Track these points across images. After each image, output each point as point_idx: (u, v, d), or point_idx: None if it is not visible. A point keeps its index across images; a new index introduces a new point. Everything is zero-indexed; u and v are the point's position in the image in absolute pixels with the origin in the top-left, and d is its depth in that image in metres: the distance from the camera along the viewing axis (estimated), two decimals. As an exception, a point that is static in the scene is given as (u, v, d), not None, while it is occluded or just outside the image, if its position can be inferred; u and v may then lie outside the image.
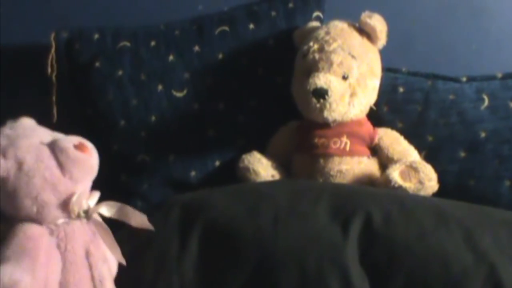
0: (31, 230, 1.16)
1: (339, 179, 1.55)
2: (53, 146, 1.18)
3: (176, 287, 1.27)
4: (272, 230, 1.27)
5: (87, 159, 1.20)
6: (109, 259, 1.23)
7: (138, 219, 1.24)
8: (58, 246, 1.17)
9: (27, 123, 1.25)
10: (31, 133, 1.20)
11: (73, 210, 1.18)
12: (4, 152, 1.15)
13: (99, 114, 1.70)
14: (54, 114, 1.68)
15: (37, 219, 1.16)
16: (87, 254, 1.19)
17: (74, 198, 1.18)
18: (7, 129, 1.21)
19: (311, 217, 1.29)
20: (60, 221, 1.18)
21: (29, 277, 1.11)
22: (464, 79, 1.65)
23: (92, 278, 1.19)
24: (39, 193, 1.15)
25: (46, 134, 1.22)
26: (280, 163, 1.62)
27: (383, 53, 1.64)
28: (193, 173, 1.68)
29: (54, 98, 1.70)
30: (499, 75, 1.63)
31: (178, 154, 1.68)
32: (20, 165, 1.15)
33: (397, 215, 1.27)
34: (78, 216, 1.19)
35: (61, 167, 1.17)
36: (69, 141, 1.19)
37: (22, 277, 1.10)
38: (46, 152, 1.17)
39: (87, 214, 1.20)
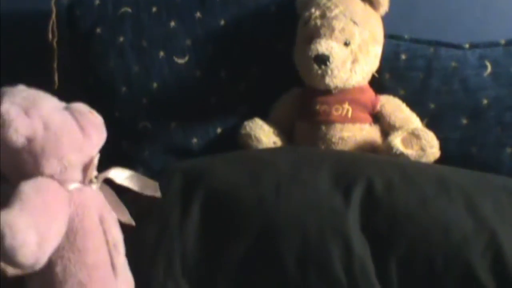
0: (54, 183, 1.14)
1: (341, 146, 1.55)
2: (71, 110, 1.17)
3: (178, 254, 1.27)
4: (273, 197, 1.28)
5: (102, 123, 1.20)
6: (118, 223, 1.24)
7: (150, 187, 1.24)
8: (76, 214, 1.15)
9: (30, 90, 1.22)
10: (46, 96, 1.19)
11: (91, 174, 1.18)
12: (27, 111, 1.12)
13: (100, 81, 1.69)
14: (55, 80, 1.68)
15: (56, 180, 1.15)
16: (101, 220, 1.19)
17: (95, 161, 1.18)
18: (18, 92, 1.18)
19: (312, 185, 1.30)
20: (74, 186, 1.17)
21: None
22: (467, 46, 1.64)
23: (107, 242, 1.18)
24: (67, 153, 1.14)
25: (56, 100, 1.21)
26: (282, 130, 1.62)
27: (386, 19, 1.63)
28: (194, 140, 1.68)
29: (55, 64, 1.69)
30: (502, 41, 1.63)
31: (180, 121, 1.68)
32: (46, 124, 1.13)
33: (398, 182, 1.28)
34: (90, 181, 1.19)
35: (82, 130, 1.16)
36: (83, 106, 1.20)
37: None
38: (67, 114, 1.16)
39: (97, 179, 1.20)
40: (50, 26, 1.67)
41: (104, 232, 1.19)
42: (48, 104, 1.17)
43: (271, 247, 1.24)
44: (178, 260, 1.27)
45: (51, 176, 1.14)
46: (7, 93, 1.17)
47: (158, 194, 1.27)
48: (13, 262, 1.05)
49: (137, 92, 1.68)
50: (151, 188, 1.27)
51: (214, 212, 1.30)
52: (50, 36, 1.67)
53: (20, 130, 1.10)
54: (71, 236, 1.14)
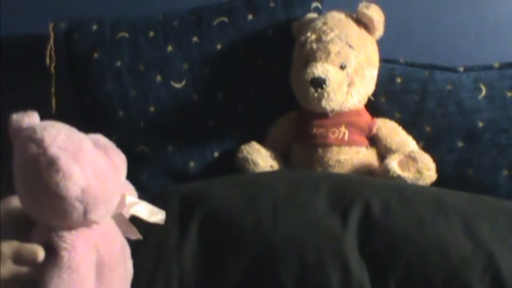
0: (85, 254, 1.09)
1: (337, 169, 1.55)
2: (103, 148, 1.11)
3: (176, 277, 1.26)
4: (271, 220, 1.27)
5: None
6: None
7: (157, 215, 1.23)
8: (103, 249, 1.11)
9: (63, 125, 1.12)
10: (81, 135, 1.11)
11: (120, 210, 1.14)
12: (77, 158, 1.05)
13: (98, 105, 1.70)
14: (53, 105, 1.68)
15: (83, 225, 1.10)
16: (123, 248, 1.16)
17: (126, 199, 1.14)
18: (57, 132, 1.07)
19: (310, 207, 1.29)
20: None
21: None
22: (462, 69, 1.65)
23: (126, 269, 1.16)
24: (112, 199, 1.10)
25: (84, 135, 1.12)
26: (279, 153, 1.62)
27: (381, 43, 1.64)
28: (192, 164, 1.68)
29: (53, 89, 1.70)
30: (496, 64, 1.64)
31: (177, 145, 1.68)
32: (96, 171, 1.06)
33: (396, 204, 1.28)
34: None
35: (117, 170, 1.11)
36: (105, 139, 1.14)
37: None
38: (103, 154, 1.10)
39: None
40: (48, 50, 1.68)
41: (125, 260, 1.17)
42: (89, 146, 1.09)
43: (269, 270, 1.23)
44: (175, 284, 1.26)
45: (92, 222, 1.09)
46: (47, 133, 1.07)
47: (163, 222, 1.25)
48: None
49: (135, 116, 1.68)
50: (159, 216, 1.24)
51: (212, 235, 1.29)
52: (48, 60, 1.68)
53: (78, 183, 1.03)
54: (98, 270, 1.11)
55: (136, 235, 1.21)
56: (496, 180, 1.58)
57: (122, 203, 1.15)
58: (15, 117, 1.10)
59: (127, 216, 1.19)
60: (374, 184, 1.38)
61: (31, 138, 1.05)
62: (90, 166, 1.06)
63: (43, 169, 1.03)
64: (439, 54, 1.76)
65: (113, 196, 1.11)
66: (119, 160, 1.13)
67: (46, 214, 1.08)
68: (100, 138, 1.14)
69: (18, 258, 1.06)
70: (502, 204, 1.36)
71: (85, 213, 1.07)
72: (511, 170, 1.58)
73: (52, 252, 1.07)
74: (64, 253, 1.07)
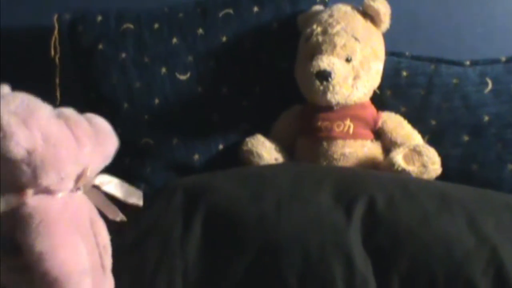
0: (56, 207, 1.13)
1: (342, 163, 1.55)
2: (65, 119, 1.15)
3: (180, 270, 1.27)
4: (275, 214, 1.27)
5: (110, 130, 1.21)
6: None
7: (134, 195, 1.24)
8: (70, 220, 1.14)
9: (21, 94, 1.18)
10: (40, 104, 1.16)
11: (82, 183, 1.16)
12: (26, 122, 1.09)
13: (102, 97, 1.70)
14: (58, 97, 1.68)
15: (50, 192, 1.13)
16: (91, 223, 1.18)
17: (88, 172, 1.16)
18: (12, 99, 1.14)
19: (314, 201, 1.29)
20: (62, 194, 1.15)
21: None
22: (468, 63, 1.65)
23: (97, 245, 1.18)
24: (64, 165, 1.12)
25: (48, 107, 1.17)
26: (283, 146, 1.62)
27: (387, 37, 1.63)
28: (196, 157, 1.68)
29: (57, 80, 1.70)
30: (503, 59, 1.63)
31: (182, 138, 1.68)
32: (45, 136, 1.10)
33: (400, 198, 1.28)
34: (78, 188, 1.18)
35: (77, 140, 1.14)
36: (74, 113, 1.18)
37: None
38: (63, 124, 1.14)
39: (84, 186, 1.19)
40: (52, 42, 1.68)
41: (95, 235, 1.18)
42: (44, 113, 1.14)
43: (273, 264, 1.24)
44: (179, 278, 1.26)
45: (46, 188, 1.12)
46: (2, 100, 1.13)
47: (140, 203, 1.26)
48: None
49: (139, 109, 1.68)
50: (135, 197, 1.26)
51: (216, 229, 1.30)
52: (52, 52, 1.68)
53: (21, 143, 1.08)
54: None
55: (115, 214, 1.22)
56: (500, 175, 1.58)
57: (83, 175, 1.16)
58: None
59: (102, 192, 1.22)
60: (378, 178, 1.38)
61: None
62: (40, 131, 1.10)
63: None
64: (446, 47, 1.76)
65: (66, 163, 1.12)
66: (81, 132, 1.16)
67: (3, 180, 1.11)
68: (66, 110, 1.17)
69: None
70: (506, 199, 1.36)
71: (35, 176, 1.10)
72: (516, 165, 1.58)
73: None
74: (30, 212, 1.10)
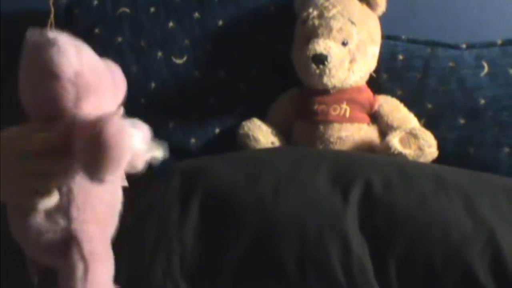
0: None
1: (339, 146, 1.55)
2: (106, 63, 1.21)
3: (177, 254, 1.27)
4: (272, 198, 1.28)
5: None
6: None
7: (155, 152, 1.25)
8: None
9: None
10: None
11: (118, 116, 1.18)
12: (77, 48, 1.13)
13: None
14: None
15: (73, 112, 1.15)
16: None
17: (122, 111, 1.20)
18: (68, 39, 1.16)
19: (311, 185, 1.30)
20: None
21: None
22: (464, 46, 1.65)
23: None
24: (104, 96, 1.17)
25: None
26: (280, 130, 1.62)
27: (383, 20, 1.63)
28: (193, 140, 1.68)
29: (53, 64, 1.69)
30: (499, 42, 1.63)
31: (178, 122, 1.68)
32: (92, 65, 1.15)
33: (397, 181, 1.28)
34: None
35: (114, 82, 1.21)
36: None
37: None
38: (104, 64, 1.20)
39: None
40: (48, 26, 1.68)
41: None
42: (91, 52, 1.18)
43: (270, 247, 1.24)
44: (177, 261, 1.26)
45: (82, 111, 1.14)
46: (56, 32, 1.16)
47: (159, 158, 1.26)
48: None
49: (136, 92, 1.68)
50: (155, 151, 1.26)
51: (213, 212, 1.30)
52: (48, 36, 1.67)
53: (72, 62, 1.10)
54: None
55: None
56: (497, 158, 1.58)
57: (118, 113, 1.18)
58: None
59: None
60: (375, 161, 1.39)
61: (41, 34, 1.14)
62: (88, 60, 1.14)
63: (41, 45, 1.11)
64: (442, 31, 1.75)
65: (106, 93, 1.17)
66: (117, 76, 1.23)
67: (42, 102, 1.13)
68: (111, 62, 1.25)
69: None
70: (503, 182, 1.36)
71: (77, 98, 1.12)
72: (513, 147, 1.58)
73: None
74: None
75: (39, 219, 1.14)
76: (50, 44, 1.10)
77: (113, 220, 1.21)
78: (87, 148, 1.06)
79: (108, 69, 1.21)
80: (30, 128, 1.14)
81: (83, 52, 1.14)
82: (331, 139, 1.56)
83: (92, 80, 1.13)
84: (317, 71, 1.53)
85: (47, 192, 1.12)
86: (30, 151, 1.10)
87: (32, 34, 1.16)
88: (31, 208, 1.13)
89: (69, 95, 1.11)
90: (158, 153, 1.24)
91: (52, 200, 1.13)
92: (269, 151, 1.53)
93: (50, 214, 1.14)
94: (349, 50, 1.56)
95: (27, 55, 1.15)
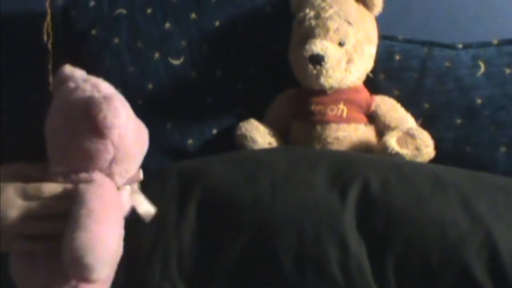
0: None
1: (336, 146, 1.55)
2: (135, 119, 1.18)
3: (175, 254, 1.27)
4: (269, 197, 1.28)
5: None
6: None
7: (145, 209, 1.24)
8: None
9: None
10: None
11: (132, 183, 1.19)
12: (125, 108, 1.12)
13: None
14: (50, 82, 1.68)
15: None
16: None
17: (141, 174, 1.20)
18: (103, 81, 1.16)
19: (308, 185, 1.30)
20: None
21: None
22: (460, 46, 1.65)
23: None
24: (135, 163, 1.16)
25: None
26: (277, 130, 1.62)
27: (380, 20, 1.63)
28: (190, 141, 1.68)
29: (50, 66, 1.69)
30: (495, 41, 1.64)
31: (175, 123, 1.68)
32: (137, 128, 1.15)
33: (394, 181, 1.28)
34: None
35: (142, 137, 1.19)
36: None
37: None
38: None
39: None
40: (45, 27, 1.68)
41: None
42: (132, 113, 1.17)
43: (268, 247, 1.24)
44: (174, 261, 1.26)
45: (112, 175, 1.14)
46: (101, 81, 1.16)
47: (149, 218, 1.27)
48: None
49: (132, 94, 1.66)
50: (150, 210, 1.27)
51: (211, 212, 1.30)
52: (45, 37, 1.68)
53: (121, 124, 1.09)
54: None
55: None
56: (494, 157, 1.59)
57: (138, 175, 1.19)
58: (67, 66, 1.19)
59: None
60: (372, 161, 1.39)
61: (87, 80, 1.14)
62: (132, 121, 1.14)
63: (96, 102, 1.08)
64: (438, 31, 1.76)
65: (136, 160, 1.16)
66: (146, 137, 1.21)
67: (76, 154, 1.11)
68: (139, 121, 1.21)
69: (24, 195, 1.10)
70: (500, 181, 1.36)
71: (112, 161, 1.11)
72: (509, 147, 1.58)
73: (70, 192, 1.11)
74: (82, 186, 1.11)
75: None
76: (106, 102, 1.08)
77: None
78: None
79: (140, 130, 1.19)
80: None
81: (130, 116, 1.13)
82: (329, 140, 1.56)
83: (131, 144, 1.13)
84: (314, 71, 1.53)
85: None
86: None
87: (70, 71, 1.16)
88: None
89: (107, 156, 1.11)
90: (150, 211, 1.25)
91: None
92: (267, 152, 1.53)
93: None
94: (346, 50, 1.56)
95: (72, 100, 1.12)
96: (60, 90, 1.16)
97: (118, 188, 1.19)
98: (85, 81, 1.14)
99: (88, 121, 1.08)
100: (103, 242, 1.05)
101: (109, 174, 1.14)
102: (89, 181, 1.12)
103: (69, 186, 1.12)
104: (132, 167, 1.16)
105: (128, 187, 1.20)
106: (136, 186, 1.23)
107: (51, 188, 1.12)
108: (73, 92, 1.13)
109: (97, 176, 1.13)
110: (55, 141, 1.14)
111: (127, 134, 1.11)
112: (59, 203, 1.12)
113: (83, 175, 1.13)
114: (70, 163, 1.13)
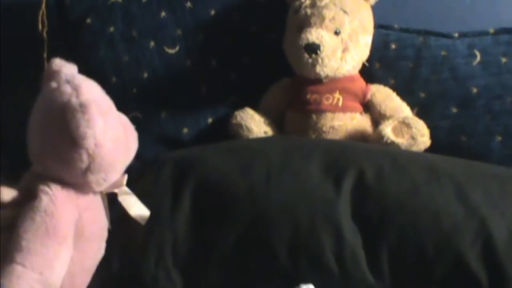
0: (62, 198, 1.11)
1: (331, 135, 1.55)
2: (123, 125, 1.15)
3: (169, 243, 1.27)
4: (264, 187, 1.28)
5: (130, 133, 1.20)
6: None
7: (137, 211, 1.23)
8: (80, 217, 1.13)
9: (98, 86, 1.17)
10: (111, 102, 1.16)
11: (114, 189, 1.17)
12: (105, 117, 1.08)
13: (90, 71, 1.65)
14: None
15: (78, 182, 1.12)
16: (103, 228, 1.20)
17: (125, 181, 1.18)
18: (96, 88, 1.14)
19: (303, 174, 1.30)
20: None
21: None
22: (456, 35, 1.65)
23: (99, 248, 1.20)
24: (115, 173, 1.13)
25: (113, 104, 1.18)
26: (272, 119, 1.62)
27: (376, 9, 1.63)
28: (185, 130, 1.68)
29: (45, 54, 1.69)
30: (491, 30, 1.63)
31: (170, 111, 1.68)
32: (115, 139, 1.10)
33: (389, 170, 1.28)
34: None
35: (128, 149, 1.15)
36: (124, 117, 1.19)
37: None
38: (121, 128, 1.14)
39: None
40: (40, 16, 1.67)
41: (102, 240, 1.19)
42: (115, 113, 1.14)
43: (262, 236, 1.24)
44: (169, 250, 1.27)
45: (87, 184, 1.11)
46: (85, 83, 1.12)
47: (144, 221, 1.25)
48: None
49: (128, 82, 1.68)
50: (142, 212, 1.25)
51: (205, 201, 1.30)
52: (40, 26, 1.67)
53: (97, 135, 1.06)
54: (77, 235, 1.12)
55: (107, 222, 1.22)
56: (489, 147, 1.58)
57: (120, 182, 1.15)
58: (57, 60, 1.15)
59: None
60: (367, 151, 1.39)
61: (69, 81, 1.10)
62: (112, 130, 1.09)
63: (71, 109, 1.05)
64: (434, 20, 1.75)
65: (116, 168, 1.12)
66: (133, 142, 1.17)
67: (49, 158, 1.09)
68: (122, 115, 1.18)
69: None
70: (495, 170, 1.37)
71: (87, 170, 1.08)
72: (504, 136, 1.58)
73: (33, 197, 1.09)
74: (43, 197, 1.09)
75: None
76: (81, 110, 1.05)
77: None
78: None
79: (125, 132, 1.15)
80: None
81: (110, 122, 1.09)
82: (324, 129, 1.55)
83: (109, 154, 1.09)
84: (310, 60, 1.52)
85: None
86: None
87: (58, 66, 1.12)
88: None
89: (81, 164, 1.08)
90: (143, 214, 1.23)
91: None
92: (262, 141, 1.53)
93: None
94: (342, 39, 1.56)
95: (50, 101, 1.09)
96: (44, 87, 1.13)
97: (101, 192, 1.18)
98: (67, 81, 1.10)
99: (64, 128, 1.06)
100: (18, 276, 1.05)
101: (84, 182, 1.11)
102: (44, 194, 1.09)
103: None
104: (111, 176, 1.13)
105: (117, 190, 1.19)
106: (125, 187, 1.21)
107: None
108: (52, 93, 1.10)
109: (54, 191, 1.10)
110: (33, 140, 1.12)
111: (104, 143, 1.07)
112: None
113: (42, 187, 1.10)
114: (45, 166, 1.11)
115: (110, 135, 1.09)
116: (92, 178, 1.10)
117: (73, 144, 1.06)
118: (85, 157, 1.07)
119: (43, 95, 1.11)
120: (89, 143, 1.06)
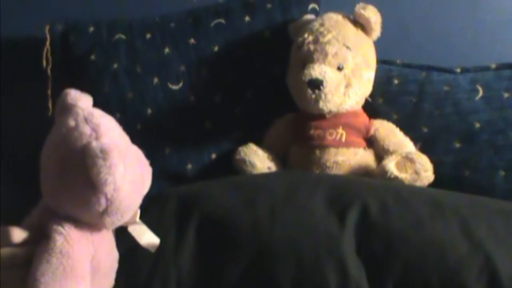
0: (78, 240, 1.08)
1: (335, 171, 1.55)
2: (139, 162, 1.12)
3: (174, 279, 1.26)
4: (268, 222, 1.27)
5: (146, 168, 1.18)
6: None
7: (147, 239, 1.21)
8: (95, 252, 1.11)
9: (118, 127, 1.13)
10: (130, 143, 1.13)
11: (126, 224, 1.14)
12: (124, 160, 1.04)
13: (95, 107, 1.69)
14: (50, 107, 1.68)
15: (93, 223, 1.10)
16: (115, 260, 1.18)
17: (137, 218, 1.15)
18: (116, 127, 1.11)
19: (307, 209, 1.29)
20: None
21: None
22: (459, 70, 1.65)
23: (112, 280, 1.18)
24: (129, 213, 1.10)
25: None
26: (276, 155, 1.62)
27: (378, 44, 1.64)
28: (189, 166, 1.68)
29: (49, 91, 1.69)
30: (493, 65, 1.64)
31: (174, 147, 1.68)
32: (132, 183, 1.07)
33: (393, 205, 1.28)
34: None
35: (143, 187, 1.13)
36: (141, 153, 1.16)
37: None
38: (139, 169, 1.12)
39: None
40: (44, 53, 1.68)
41: (114, 272, 1.17)
42: (134, 150, 1.11)
43: (267, 272, 1.24)
44: (173, 286, 1.26)
45: (102, 224, 1.09)
46: (104, 122, 1.09)
47: (154, 249, 1.23)
48: None
49: (132, 118, 1.68)
50: (152, 241, 1.23)
51: (209, 237, 1.29)
52: (44, 63, 1.68)
53: (116, 180, 1.03)
54: (93, 272, 1.10)
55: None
56: (493, 181, 1.58)
57: (133, 218, 1.14)
58: (73, 92, 1.10)
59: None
60: (371, 185, 1.38)
61: (87, 119, 1.06)
62: (130, 171, 1.06)
63: (91, 155, 1.02)
64: (436, 55, 1.76)
65: (133, 208, 1.10)
66: (148, 177, 1.14)
67: (65, 198, 1.06)
68: (137, 149, 1.15)
69: None
70: (499, 205, 1.36)
71: (104, 212, 1.06)
72: (508, 171, 1.58)
73: (47, 237, 1.07)
74: (57, 237, 1.06)
75: None
76: (102, 157, 1.01)
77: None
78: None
79: (140, 169, 1.12)
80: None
81: (128, 165, 1.05)
82: (328, 164, 1.56)
83: (127, 196, 1.06)
84: (313, 96, 1.53)
85: None
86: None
87: (74, 100, 1.09)
88: None
89: (99, 208, 1.05)
90: (153, 243, 1.21)
91: None
92: (266, 176, 1.53)
93: None
94: (345, 74, 1.56)
95: (69, 142, 1.05)
96: (59, 122, 1.09)
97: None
98: (86, 120, 1.06)
99: (82, 171, 1.03)
100: None
101: (100, 223, 1.09)
102: (58, 234, 1.06)
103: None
104: (127, 216, 1.10)
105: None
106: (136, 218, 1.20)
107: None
108: (71, 132, 1.06)
109: (68, 230, 1.07)
110: (47, 178, 1.08)
111: (123, 187, 1.04)
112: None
113: (55, 227, 1.07)
114: (59, 204, 1.08)
115: (129, 178, 1.06)
116: (108, 220, 1.07)
117: (92, 188, 1.03)
118: (103, 201, 1.04)
119: (60, 133, 1.07)
120: (109, 188, 1.03)
